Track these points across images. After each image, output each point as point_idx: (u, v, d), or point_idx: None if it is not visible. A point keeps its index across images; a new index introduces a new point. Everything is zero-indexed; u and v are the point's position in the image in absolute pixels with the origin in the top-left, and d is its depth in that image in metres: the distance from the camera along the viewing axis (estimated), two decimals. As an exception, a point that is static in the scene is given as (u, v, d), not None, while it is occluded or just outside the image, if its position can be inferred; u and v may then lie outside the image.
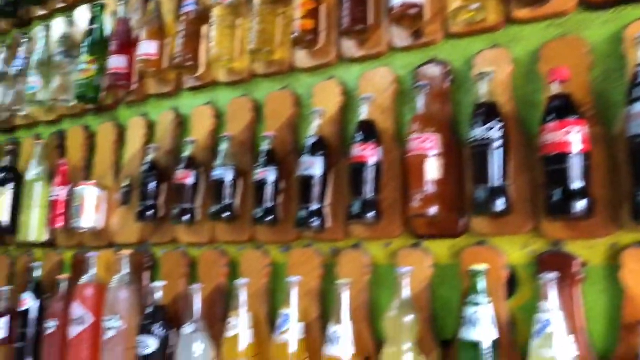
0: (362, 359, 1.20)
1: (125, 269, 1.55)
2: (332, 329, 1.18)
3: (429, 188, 1.13)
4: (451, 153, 1.16)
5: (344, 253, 1.28)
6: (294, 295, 1.26)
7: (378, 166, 1.21)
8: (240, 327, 1.31)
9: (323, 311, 1.31)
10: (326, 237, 1.32)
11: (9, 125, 2.03)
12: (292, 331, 1.24)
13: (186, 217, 1.48)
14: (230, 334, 1.31)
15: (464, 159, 1.15)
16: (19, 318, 1.74)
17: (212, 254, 1.48)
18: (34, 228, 1.81)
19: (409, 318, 1.11)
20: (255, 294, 1.38)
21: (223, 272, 1.45)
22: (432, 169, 1.14)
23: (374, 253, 1.27)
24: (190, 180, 1.49)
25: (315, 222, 1.28)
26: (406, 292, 1.13)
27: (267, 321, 1.36)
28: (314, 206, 1.28)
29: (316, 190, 1.28)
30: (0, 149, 2.01)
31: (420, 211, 1.13)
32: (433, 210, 1.13)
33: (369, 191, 1.21)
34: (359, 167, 1.21)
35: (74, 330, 1.57)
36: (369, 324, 1.23)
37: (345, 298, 1.20)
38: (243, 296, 1.33)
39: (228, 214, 1.42)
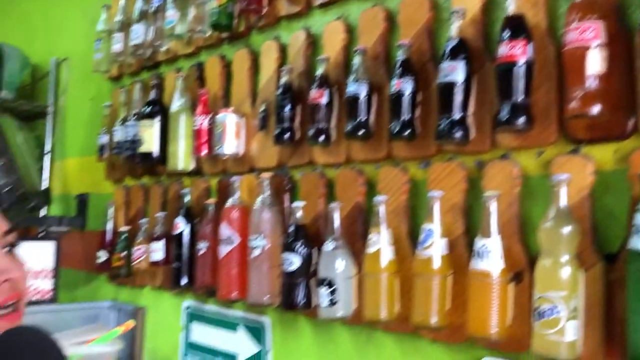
0: (513, 274, 1.13)
1: (267, 192, 1.59)
2: (480, 242, 1.12)
3: (591, 84, 1.00)
4: (617, 43, 1.01)
5: (490, 165, 1.19)
6: (436, 210, 1.21)
7: (529, 65, 1.09)
8: (381, 243, 1.29)
9: (468, 227, 1.24)
10: (470, 149, 1.24)
11: (152, 61, 2.14)
12: (435, 246, 1.19)
13: (321, 138, 1.47)
14: (371, 250, 1.30)
15: (633, 49, 1.00)
16: (173, 241, 1.87)
17: (349, 173, 1.46)
18: (181, 157, 1.91)
19: (567, 228, 1.01)
20: (394, 211, 1.34)
21: (360, 190, 1.43)
22: (594, 62, 1.00)
23: (525, 163, 1.17)
24: (324, 99, 1.46)
25: (458, 133, 1.20)
26: (563, 201, 1.03)
27: (408, 238, 1.32)
28: (456, 115, 1.20)
29: (458, 98, 1.19)
30: (146, 84, 2.13)
31: (580, 111, 1.01)
32: (595, 109, 1.00)
33: (519, 94, 1.10)
34: (507, 68, 1.09)
35: (223, 250, 1.66)
36: (520, 238, 1.15)
37: (494, 210, 1.12)
38: (382, 213, 1.30)
39: (363, 131, 1.38)
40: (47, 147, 2.83)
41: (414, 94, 1.28)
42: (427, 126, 1.29)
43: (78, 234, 2.54)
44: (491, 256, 1.10)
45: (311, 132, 1.47)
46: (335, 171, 1.51)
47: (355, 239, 1.42)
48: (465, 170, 1.25)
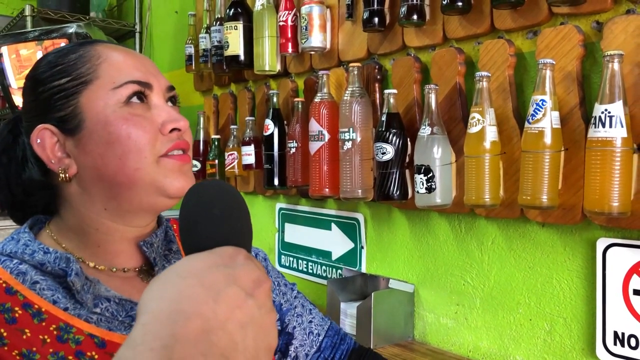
0: (638, 143, 1.00)
1: (356, 83, 1.51)
2: (600, 108, 1.00)
3: None
4: None
5: (611, 22, 1.05)
6: (548, 79, 1.09)
7: None
8: (484, 123, 1.19)
9: (584, 99, 1.12)
10: (587, 9, 1.09)
11: (234, -37, 2.07)
12: (547, 119, 1.08)
13: (415, 17, 1.36)
14: (473, 130, 1.21)
15: None
16: (264, 142, 1.86)
17: (446, 52, 1.35)
18: (267, 58, 1.85)
19: None
20: (499, 87, 1.23)
21: (460, 70, 1.32)
22: None
23: (655, 18, 1.02)
24: (416, -27, 1.34)
25: (574, -11, 1.06)
26: None
27: (515, 117, 1.21)
28: (572, -32, 1.05)
29: (575, -54, 1.05)
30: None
31: None
32: None
33: None
34: None
35: (313, 147, 1.62)
36: (648, 104, 1.01)
37: (617, 71, 0.99)
38: (485, 89, 1.19)
39: (460, 4, 1.25)
40: (137, 65, 2.88)
41: (520, -49, 1.14)
42: (535, -10, 1.15)
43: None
44: (614, 123, 0.98)
45: (403, 10, 1.36)
46: (430, 54, 1.41)
47: (454, 123, 1.33)
48: (582, 34, 1.11)
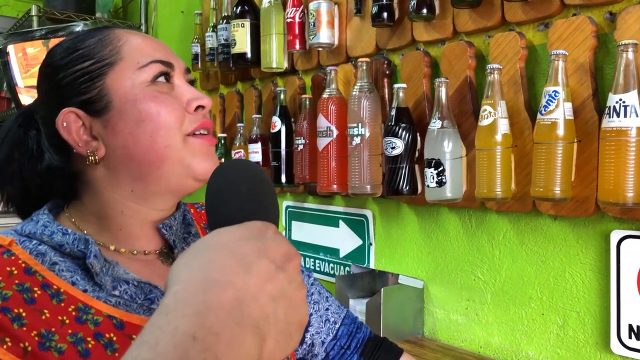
0: (654, 133, 1.00)
1: (365, 78, 1.51)
2: (615, 98, 0.99)
3: None
4: None
5: (625, 12, 1.04)
6: (561, 70, 1.08)
7: None
8: (495, 115, 1.19)
9: (597, 90, 1.11)
10: (599, 0, 1.09)
11: (241, -40, 2.07)
12: (559, 110, 1.08)
13: (424, 10, 1.36)
14: (484, 123, 1.20)
15: None
16: (271, 140, 1.85)
17: (457, 46, 1.34)
18: (275, 55, 1.85)
19: None
20: (510, 80, 1.23)
21: (470, 64, 1.32)
22: None
23: (669, 7, 1.01)
24: (426, -33, 1.34)
25: (587, -21, 1.05)
26: None
27: (526, 110, 1.21)
28: (585, -42, 1.05)
29: (588, -64, 1.04)
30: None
31: None
32: None
33: None
34: None
35: (321, 143, 1.62)
36: (663, 93, 1.00)
37: (631, 61, 0.98)
38: (497, 81, 1.19)
39: (472, -4, 1.25)
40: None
41: (532, -57, 1.14)
42: (547, -19, 1.15)
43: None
44: (629, 112, 0.98)
45: (413, 4, 1.36)
46: (439, 48, 1.40)
47: (464, 117, 1.32)
48: (594, 25, 1.10)
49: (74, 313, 0.61)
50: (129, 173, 0.70)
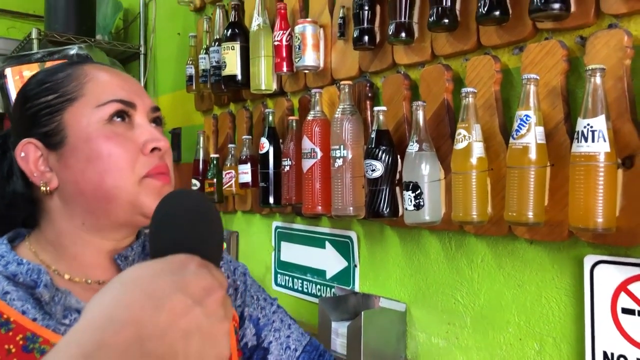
0: (622, 158, 0.99)
1: (347, 100, 1.52)
2: (583, 123, 0.99)
3: None
4: None
5: (594, 36, 1.04)
6: (532, 94, 1.08)
7: None
8: (470, 139, 1.19)
9: (569, 114, 1.10)
10: (570, 24, 1.09)
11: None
12: (531, 134, 1.07)
13: (403, 34, 1.36)
14: (459, 146, 1.20)
15: None
16: (260, 161, 1.86)
17: (434, 69, 1.35)
18: (264, 77, 1.87)
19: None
20: (485, 103, 1.23)
21: (448, 87, 1.32)
22: None
23: (637, 33, 1.01)
24: (404, -9, 1.35)
25: (556, 4, 1.05)
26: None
27: (501, 133, 1.21)
28: (553, -16, 1.05)
29: (555, -38, 1.04)
30: (228, 9, 2.10)
31: None
32: None
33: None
34: None
35: (306, 164, 1.62)
36: (631, 118, 1.00)
37: (599, 85, 0.98)
38: (472, 104, 1.19)
39: (446, 21, 1.25)
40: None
41: (503, -32, 1.14)
42: (519, 5, 1.15)
43: (174, 167, 2.62)
44: (596, 137, 0.97)
45: (392, 28, 1.37)
46: (419, 71, 1.41)
47: (442, 140, 1.32)
48: (565, 49, 1.10)
49: (21, 342, 0.62)
50: (79, 205, 0.72)
